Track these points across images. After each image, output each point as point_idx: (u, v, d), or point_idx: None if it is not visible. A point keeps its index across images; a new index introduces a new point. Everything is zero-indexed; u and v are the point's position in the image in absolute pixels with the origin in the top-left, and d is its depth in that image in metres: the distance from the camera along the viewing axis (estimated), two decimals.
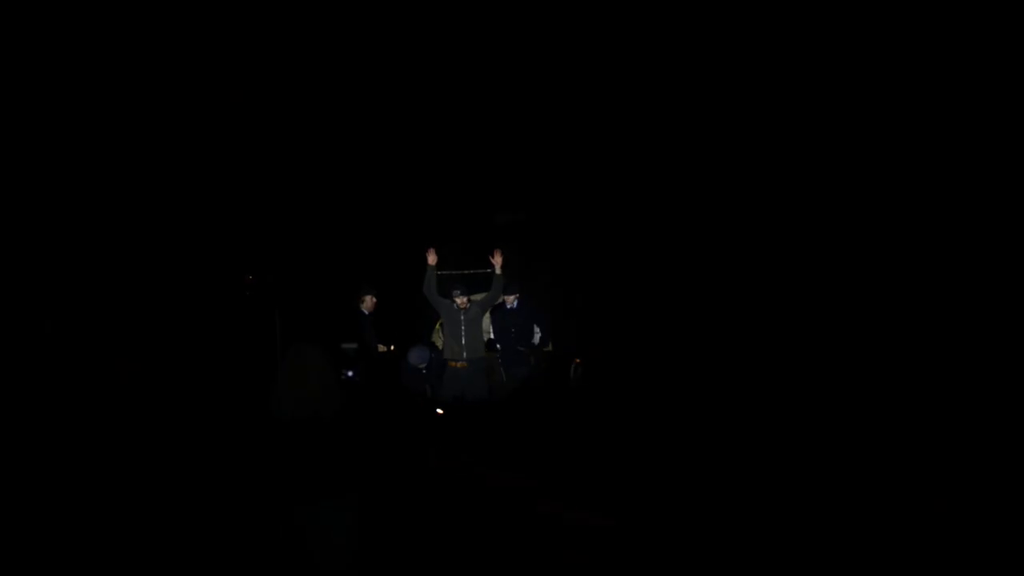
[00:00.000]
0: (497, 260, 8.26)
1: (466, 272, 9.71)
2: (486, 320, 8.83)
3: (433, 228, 9.65)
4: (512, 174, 10.22)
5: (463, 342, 8.23)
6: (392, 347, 8.88)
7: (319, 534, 3.75)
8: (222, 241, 8.04)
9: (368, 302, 8.68)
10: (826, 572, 4.74)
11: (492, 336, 9.01)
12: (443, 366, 8.41)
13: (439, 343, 9.21)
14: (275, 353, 8.57)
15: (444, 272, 8.81)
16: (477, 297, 8.53)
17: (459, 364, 8.20)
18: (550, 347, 9.06)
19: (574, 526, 5.13)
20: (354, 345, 8.35)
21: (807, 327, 7.13)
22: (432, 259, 8.21)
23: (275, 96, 8.02)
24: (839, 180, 7.43)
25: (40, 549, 4.43)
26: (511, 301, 8.69)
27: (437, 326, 9.61)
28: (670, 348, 8.96)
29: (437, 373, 8.51)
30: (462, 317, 8.25)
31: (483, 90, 9.25)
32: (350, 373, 7.98)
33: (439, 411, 7.41)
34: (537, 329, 8.78)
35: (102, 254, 5.57)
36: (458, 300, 8.23)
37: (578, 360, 9.03)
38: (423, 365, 8.52)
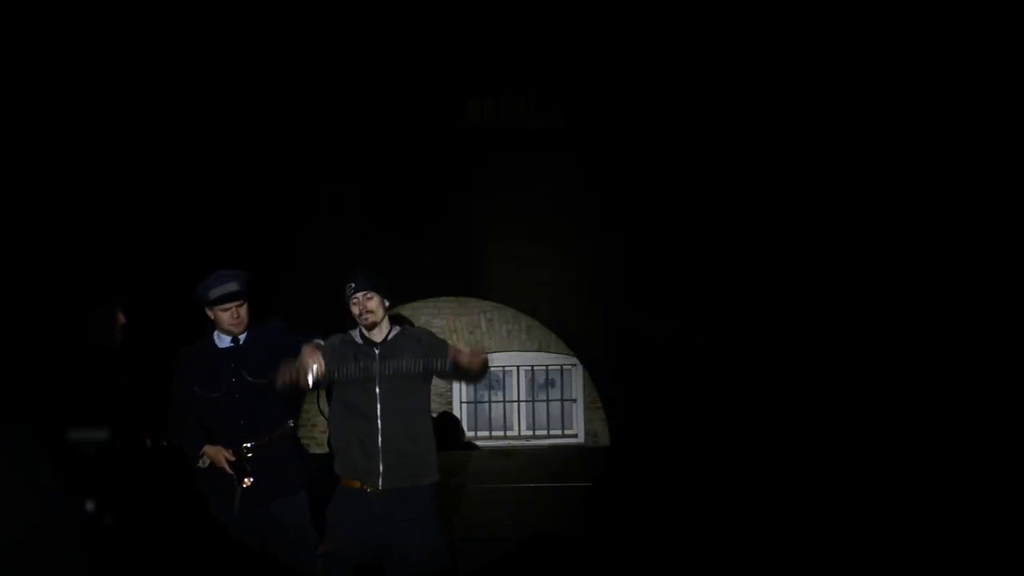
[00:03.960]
0: (464, 357, 3.84)
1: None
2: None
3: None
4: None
5: (379, 431, 3.77)
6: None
7: (275, 529, 4.07)
8: (220, 240, 7.92)
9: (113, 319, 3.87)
10: (826, 572, 4.75)
11: None
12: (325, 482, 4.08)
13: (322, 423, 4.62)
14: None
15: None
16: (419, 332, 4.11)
17: (367, 487, 3.80)
18: None
19: None
20: (100, 433, 3.55)
21: (806, 328, 7.12)
22: (312, 363, 3.69)
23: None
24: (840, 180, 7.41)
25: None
26: None
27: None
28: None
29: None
30: (376, 356, 3.82)
31: None
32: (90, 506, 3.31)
33: (246, 481, 3.98)
34: None
35: (99, 254, 5.55)
36: (359, 300, 3.79)
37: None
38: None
